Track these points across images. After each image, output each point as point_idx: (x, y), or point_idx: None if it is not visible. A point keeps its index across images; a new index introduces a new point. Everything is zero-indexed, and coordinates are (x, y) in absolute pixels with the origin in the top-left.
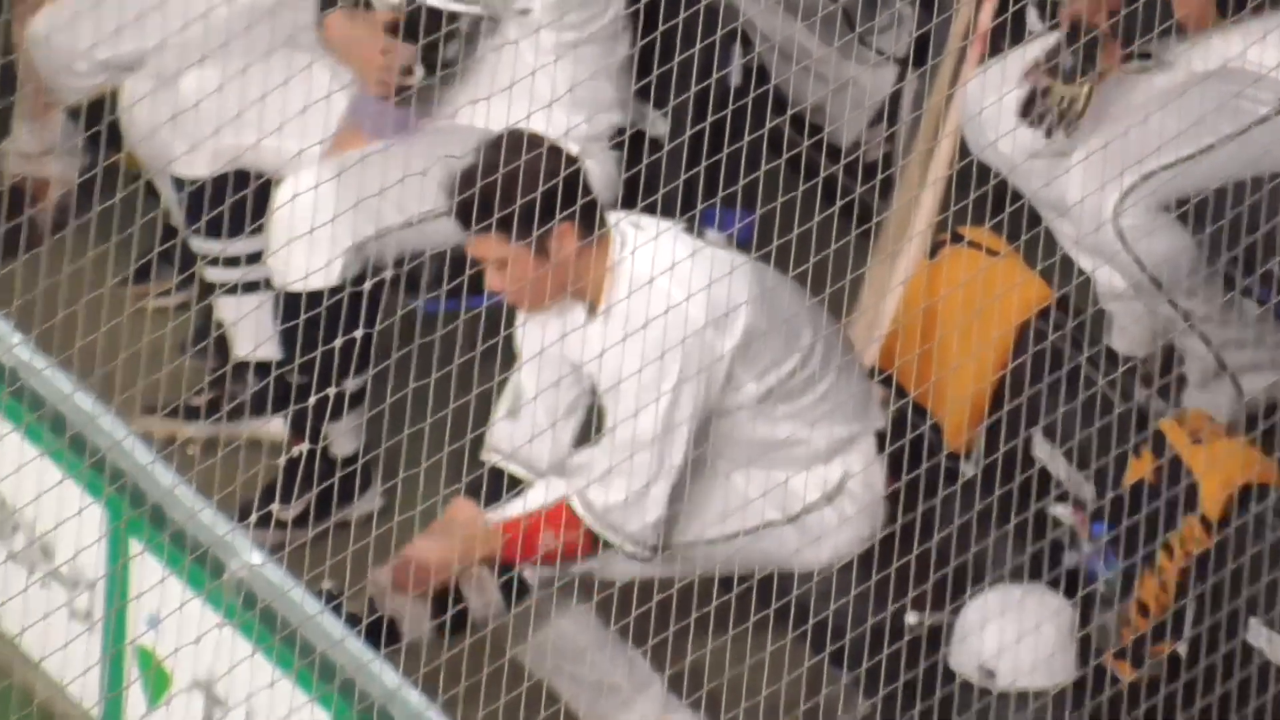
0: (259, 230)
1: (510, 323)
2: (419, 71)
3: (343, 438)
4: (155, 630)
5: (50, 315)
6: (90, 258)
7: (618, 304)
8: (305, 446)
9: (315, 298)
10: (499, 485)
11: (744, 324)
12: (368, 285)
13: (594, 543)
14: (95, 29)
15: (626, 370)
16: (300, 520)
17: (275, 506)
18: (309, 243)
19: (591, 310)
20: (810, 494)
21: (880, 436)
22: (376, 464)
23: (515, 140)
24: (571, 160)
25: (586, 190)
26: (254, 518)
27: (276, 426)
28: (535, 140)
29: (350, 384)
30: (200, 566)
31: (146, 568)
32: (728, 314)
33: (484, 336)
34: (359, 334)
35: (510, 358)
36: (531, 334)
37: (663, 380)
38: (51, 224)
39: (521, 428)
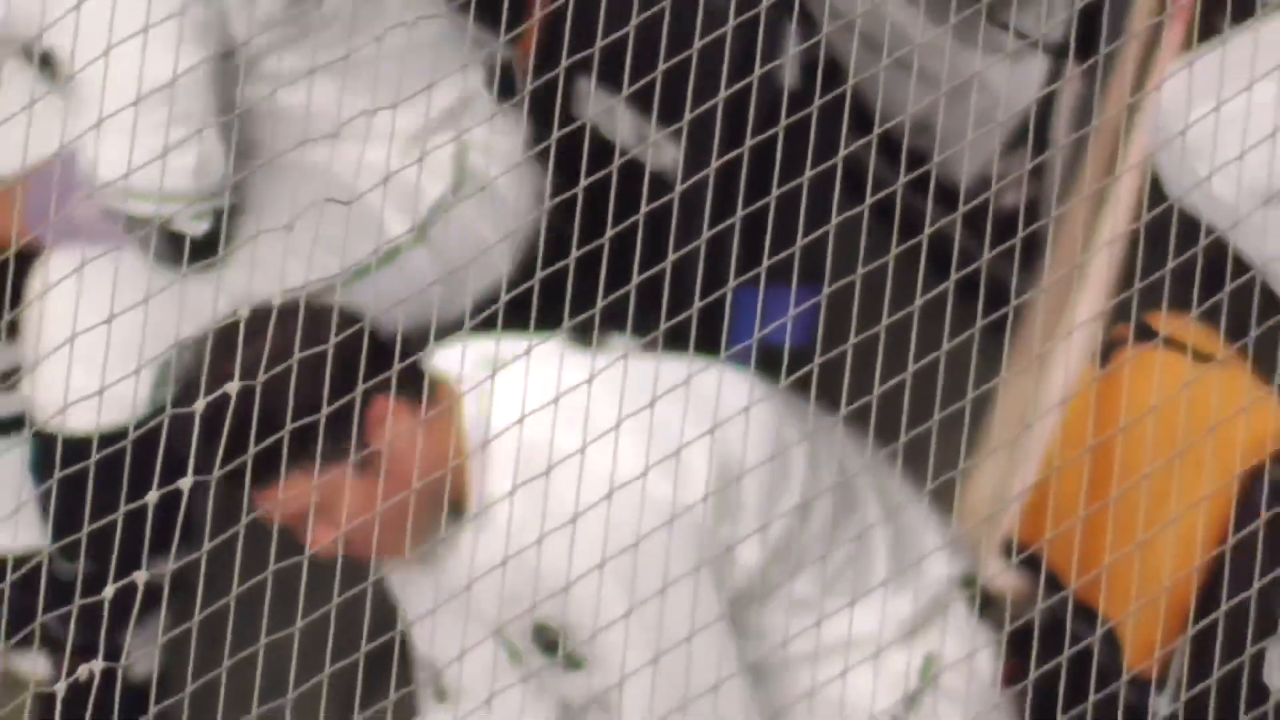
0: None
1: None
2: None
3: (139, 652)
4: None
5: None
6: None
7: (499, 504)
8: (97, 666)
9: (106, 440)
10: None
11: (716, 461)
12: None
13: None
14: None
15: (588, 609)
16: None
17: None
18: (89, 356)
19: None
20: (882, 701)
21: (970, 585)
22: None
23: (259, 331)
24: (351, 318)
25: (387, 348)
26: None
27: (43, 665)
28: (285, 315)
29: (149, 573)
30: None
31: None
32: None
33: None
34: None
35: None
36: (413, 587)
37: (646, 607)
38: None
39: None
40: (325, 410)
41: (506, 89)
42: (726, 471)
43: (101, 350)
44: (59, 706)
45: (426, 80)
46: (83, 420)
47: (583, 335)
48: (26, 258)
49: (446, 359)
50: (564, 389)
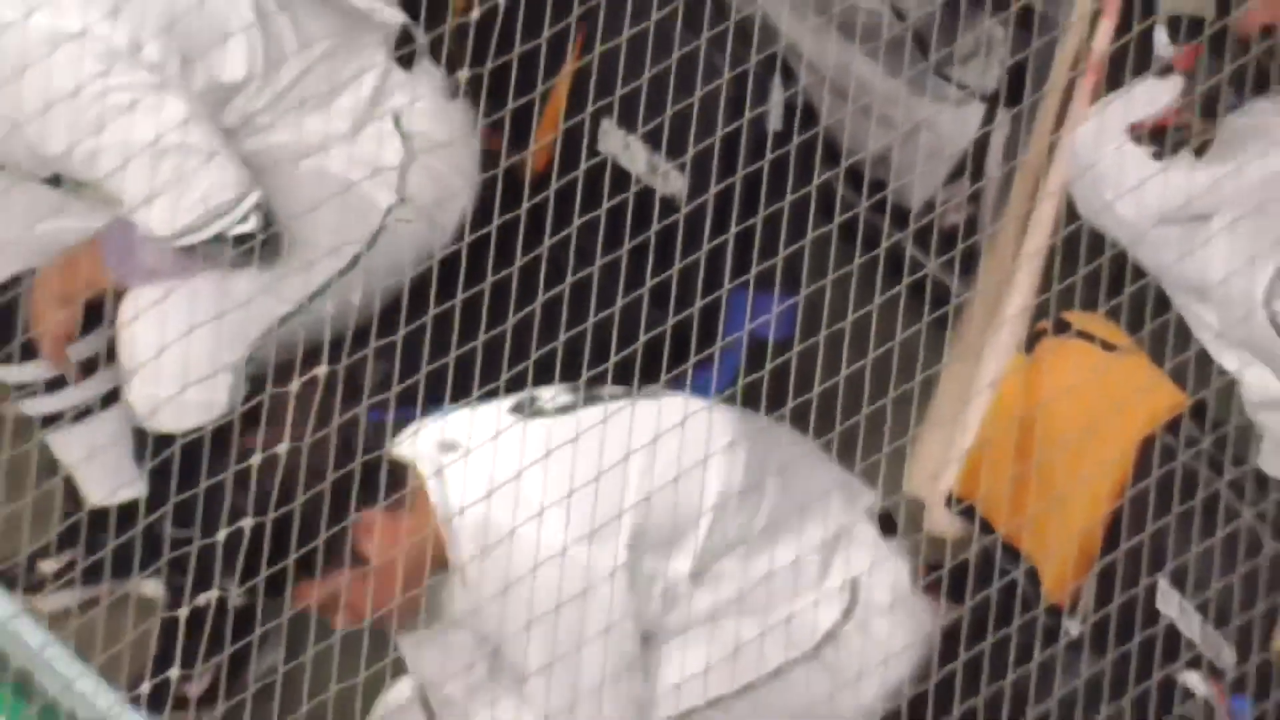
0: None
1: None
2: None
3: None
4: None
5: None
6: None
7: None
8: (212, 595)
9: (196, 432)
10: None
11: (631, 522)
12: (295, 387)
13: None
14: None
15: (526, 662)
16: (208, 696)
17: (174, 675)
18: (172, 368)
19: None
20: (821, 619)
21: (883, 517)
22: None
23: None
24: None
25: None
26: (146, 688)
27: (154, 587)
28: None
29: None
30: None
31: None
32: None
33: None
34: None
35: None
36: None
37: (567, 654)
38: None
39: None
40: (321, 535)
41: (406, 52)
42: (655, 510)
43: (183, 363)
44: (182, 626)
45: (349, 74)
46: (170, 422)
47: (523, 398)
48: (97, 303)
49: (406, 443)
50: (499, 473)
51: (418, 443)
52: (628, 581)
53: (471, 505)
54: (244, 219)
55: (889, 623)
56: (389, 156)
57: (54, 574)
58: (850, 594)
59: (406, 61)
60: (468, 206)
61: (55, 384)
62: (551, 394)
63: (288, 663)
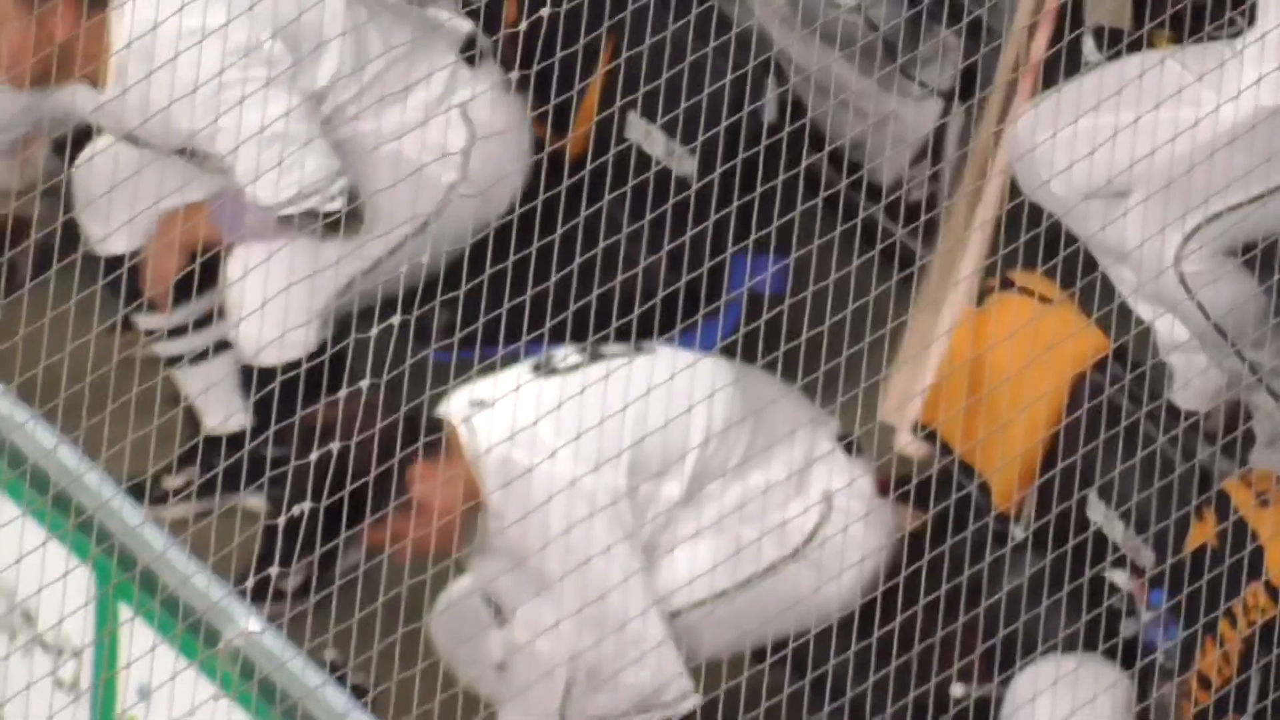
0: (191, 294)
1: None
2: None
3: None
4: (146, 701)
5: (32, 364)
6: (75, 303)
7: (495, 499)
8: (306, 506)
9: (292, 366)
10: None
11: (629, 457)
12: (374, 332)
13: None
14: None
15: (547, 570)
16: (302, 590)
17: (274, 570)
18: (274, 313)
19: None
20: (805, 524)
21: (842, 439)
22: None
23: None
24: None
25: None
26: (251, 582)
27: (258, 501)
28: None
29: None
30: (194, 634)
31: (137, 635)
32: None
33: None
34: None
35: None
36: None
37: (577, 544)
38: (33, 267)
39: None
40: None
41: (470, 54)
42: (647, 447)
43: (281, 309)
44: (280, 533)
45: (422, 72)
46: (271, 358)
47: (547, 358)
48: (211, 264)
49: (449, 403)
50: (520, 419)
51: (452, 403)
52: (626, 503)
53: (495, 446)
54: (332, 199)
55: (862, 525)
56: (455, 141)
57: (174, 490)
58: (826, 503)
59: (471, 61)
60: (519, 184)
61: (178, 331)
62: (563, 354)
63: (367, 561)
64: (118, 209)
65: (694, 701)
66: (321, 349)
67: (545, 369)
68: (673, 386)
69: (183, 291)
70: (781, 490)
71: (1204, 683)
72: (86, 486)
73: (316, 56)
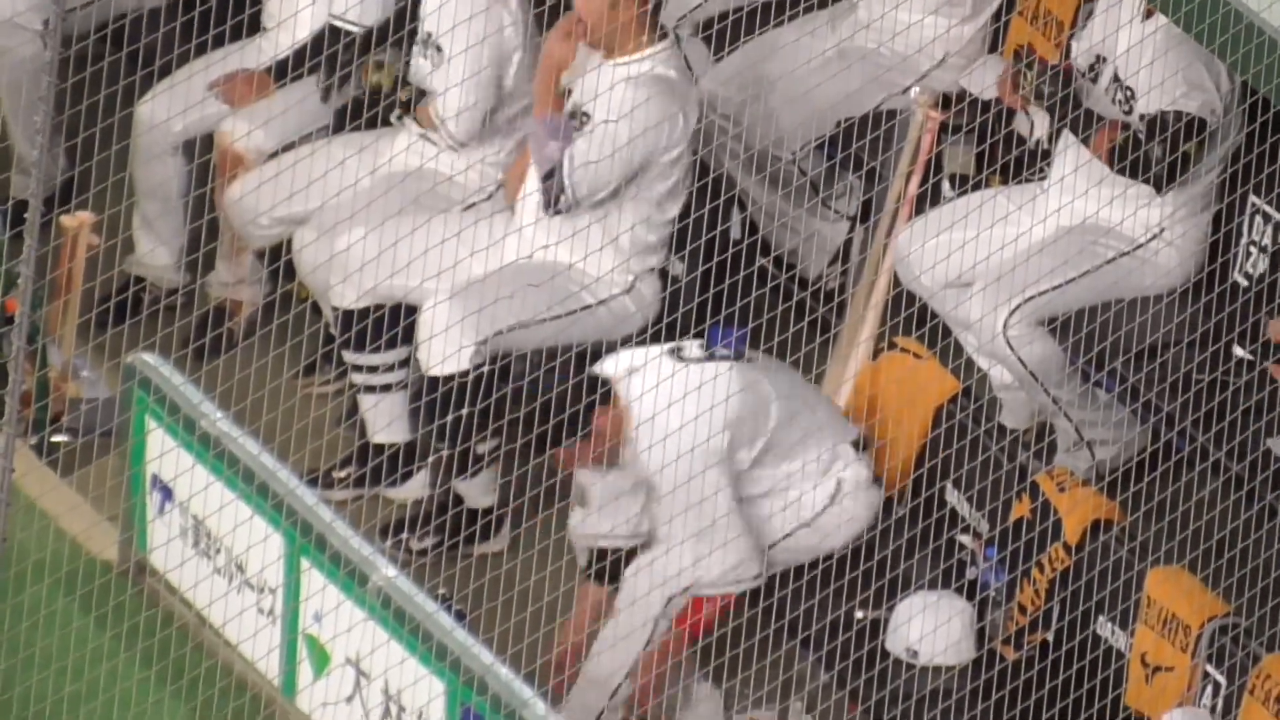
0: (391, 345)
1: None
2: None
3: (479, 493)
4: (319, 623)
5: (243, 398)
6: (271, 358)
7: (641, 427)
8: (435, 490)
9: (450, 380)
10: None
11: (731, 414)
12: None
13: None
14: (274, 194)
15: (666, 472)
16: (431, 550)
17: (405, 536)
18: (448, 337)
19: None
20: (819, 502)
21: (855, 444)
22: (506, 516)
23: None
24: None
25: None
26: (389, 543)
27: (402, 494)
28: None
29: (484, 446)
30: (351, 578)
31: (313, 578)
32: (714, 408)
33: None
34: (490, 403)
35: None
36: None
37: (694, 470)
38: (243, 333)
39: (590, 521)
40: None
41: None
42: (737, 429)
43: (454, 334)
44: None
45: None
46: (444, 367)
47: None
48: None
49: (609, 364)
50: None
51: (616, 365)
52: (721, 439)
53: (640, 397)
54: (575, 203)
55: (855, 502)
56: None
57: (339, 480)
58: (836, 485)
59: None
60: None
61: (372, 369)
62: (690, 347)
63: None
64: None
65: (759, 581)
66: (480, 370)
67: (676, 354)
68: (758, 390)
69: (377, 337)
70: (812, 471)
71: (1022, 610)
72: (280, 479)
73: (678, 163)
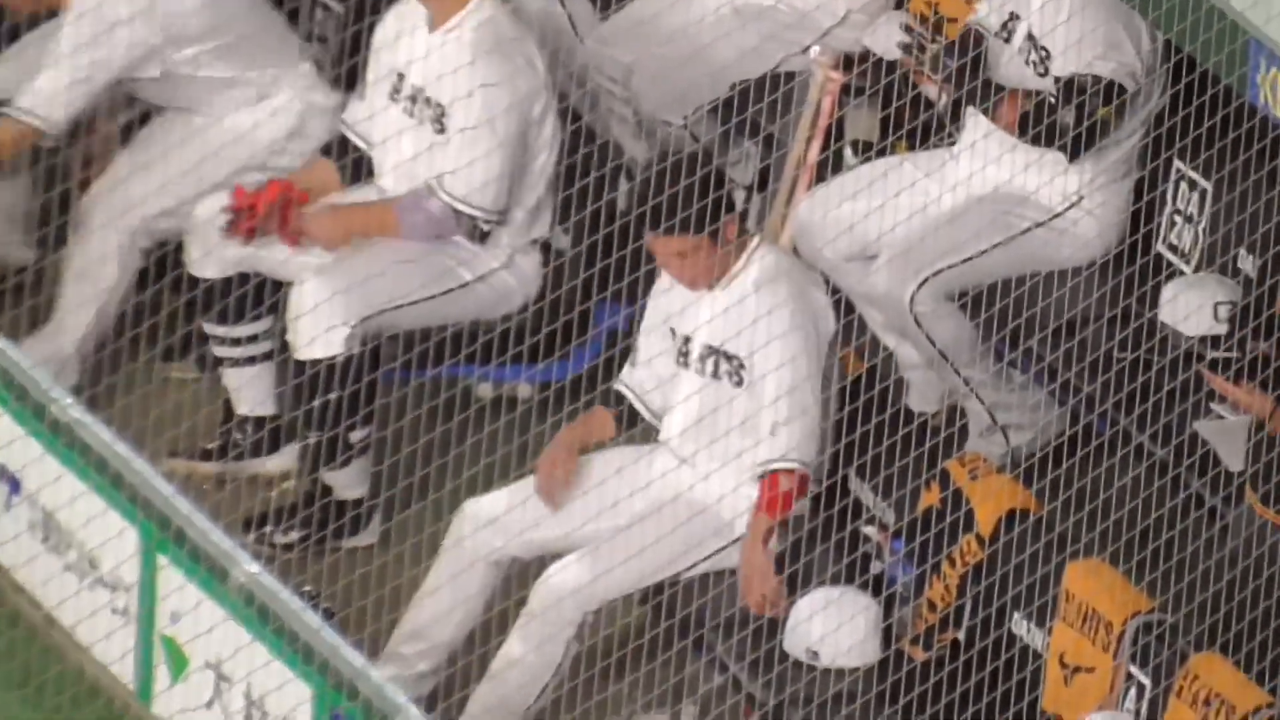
0: (257, 317)
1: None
2: None
3: (349, 484)
4: (177, 624)
5: (96, 383)
6: (127, 340)
7: (743, 277)
8: (294, 482)
9: (319, 363)
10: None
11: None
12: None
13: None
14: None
15: (768, 336)
16: (297, 544)
17: (269, 529)
18: (318, 318)
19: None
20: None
21: None
22: (377, 508)
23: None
24: (720, 179)
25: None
26: (252, 536)
27: (272, 464)
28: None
29: (355, 435)
30: (211, 574)
31: (171, 576)
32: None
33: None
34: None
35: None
36: (655, 307)
37: (800, 351)
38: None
39: (638, 374)
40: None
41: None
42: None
43: (325, 315)
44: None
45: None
46: (314, 350)
47: None
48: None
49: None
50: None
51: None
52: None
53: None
54: (487, 223)
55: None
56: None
57: (204, 451)
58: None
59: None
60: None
61: (235, 341)
62: (696, 354)
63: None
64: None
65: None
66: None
67: (682, 363)
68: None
69: (241, 309)
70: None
71: (931, 607)
72: (135, 469)
73: (542, 125)
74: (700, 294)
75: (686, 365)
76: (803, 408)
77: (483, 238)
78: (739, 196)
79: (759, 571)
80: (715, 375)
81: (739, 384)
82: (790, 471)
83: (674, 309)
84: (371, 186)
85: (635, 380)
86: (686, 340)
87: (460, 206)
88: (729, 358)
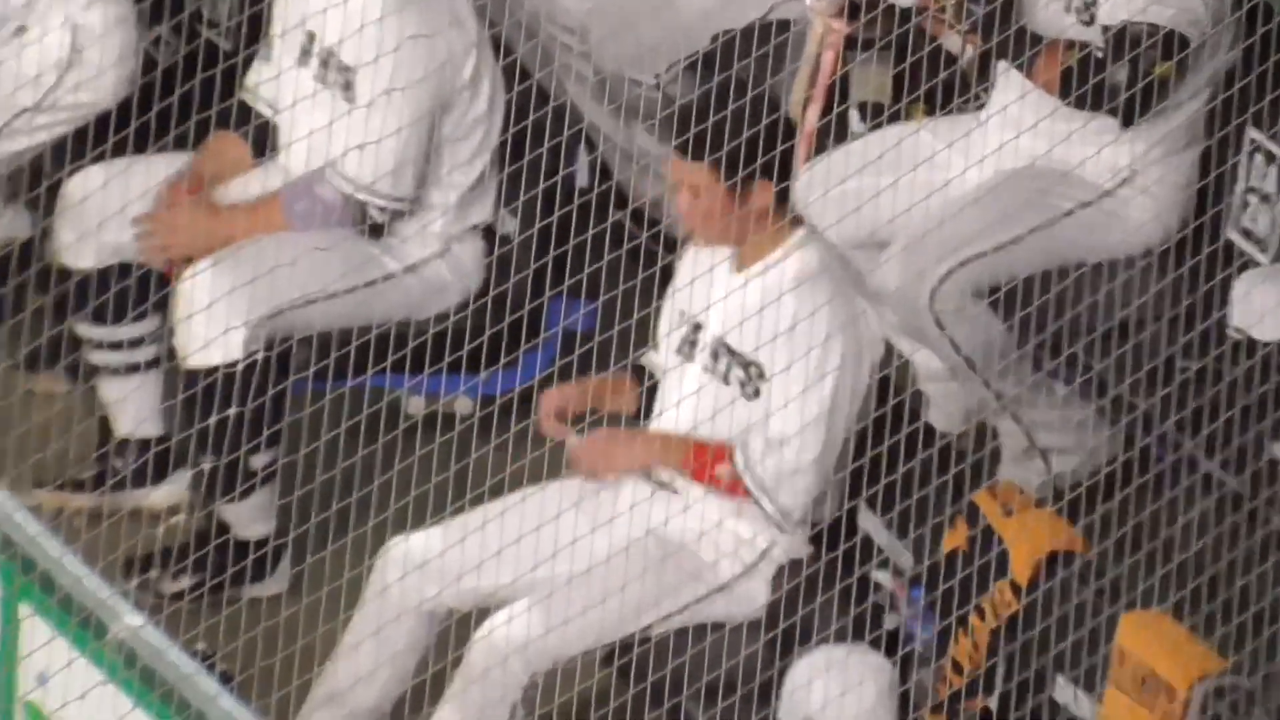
0: (141, 316)
1: None
2: None
3: (251, 520)
4: (44, 687)
5: None
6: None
7: (778, 271)
8: (186, 517)
9: (214, 372)
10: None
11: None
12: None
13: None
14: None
15: (784, 339)
16: (189, 593)
17: (155, 574)
18: (210, 320)
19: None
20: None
21: None
22: (286, 549)
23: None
24: (790, 130)
25: (789, 169)
26: (134, 583)
27: (158, 496)
28: (770, 101)
29: (258, 460)
30: (85, 628)
31: (36, 629)
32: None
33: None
34: (260, 404)
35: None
36: (683, 270)
37: (826, 360)
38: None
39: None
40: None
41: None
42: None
43: (218, 316)
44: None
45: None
46: (208, 358)
47: None
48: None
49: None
50: None
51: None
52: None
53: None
54: (383, 210)
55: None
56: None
57: (73, 483)
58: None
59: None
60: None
61: (115, 345)
62: (704, 349)
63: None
64: (96, 223)
65: (783, 529)
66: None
67: (685, 353)
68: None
69: (122, 307)
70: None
71: (956, 668)
72: None
73: (477, 90)
74: (717, 268)
75: (691, 358)
76: (814, 453)
77: (375, 230)
78: None
79: (615, 445)
80: (725, 379)
81: (753, 395)
82: (748, 493)
83: (684, 281)
84: (277, 165)
85: (657, 364)
86: (696, 328)
87: (352, 191)
88: (746, 364)
